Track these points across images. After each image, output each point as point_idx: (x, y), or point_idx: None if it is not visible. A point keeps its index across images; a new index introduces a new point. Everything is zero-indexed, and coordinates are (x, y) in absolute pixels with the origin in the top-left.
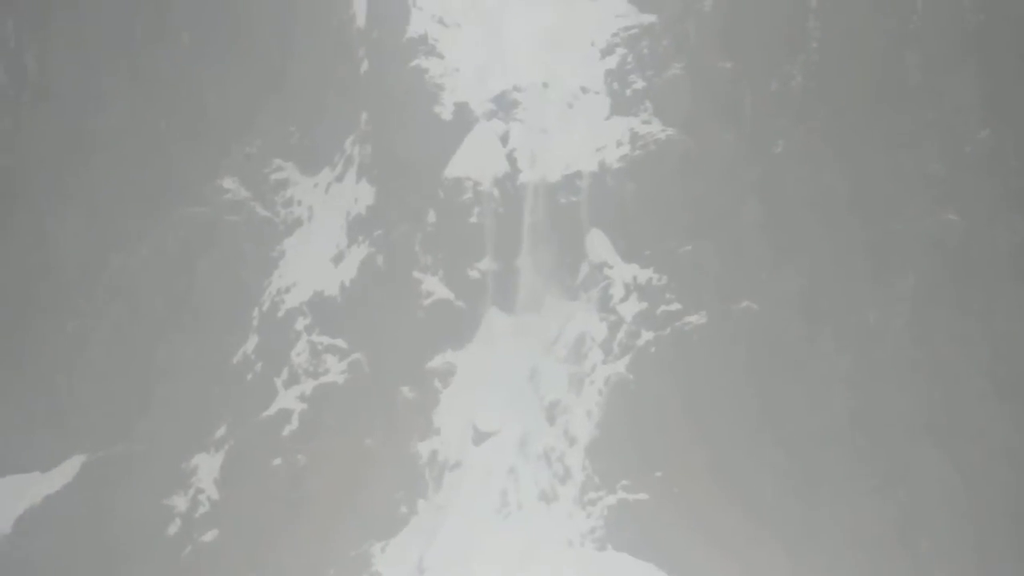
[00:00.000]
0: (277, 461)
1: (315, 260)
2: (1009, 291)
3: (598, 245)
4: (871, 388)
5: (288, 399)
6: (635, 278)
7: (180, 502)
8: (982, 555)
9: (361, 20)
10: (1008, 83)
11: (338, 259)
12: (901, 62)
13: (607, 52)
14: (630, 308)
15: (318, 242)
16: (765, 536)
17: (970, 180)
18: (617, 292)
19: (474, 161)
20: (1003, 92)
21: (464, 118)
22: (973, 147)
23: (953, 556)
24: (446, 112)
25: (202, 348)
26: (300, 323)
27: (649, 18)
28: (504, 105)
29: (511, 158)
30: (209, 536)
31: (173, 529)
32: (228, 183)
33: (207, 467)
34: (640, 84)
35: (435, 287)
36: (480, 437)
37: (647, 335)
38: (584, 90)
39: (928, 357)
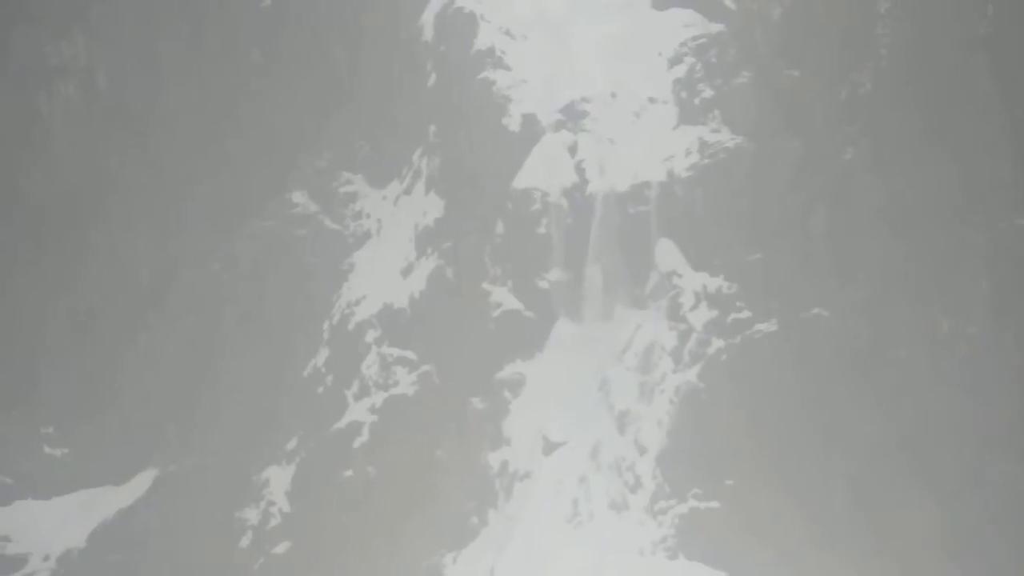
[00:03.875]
0: (348, 473)
1: (384, 273)
2: None
3: (667, 254)
4: (943, 396)
5: (359, 411)
6: (705, 286)
7: (252, 515)
8: None
9: (429, 34)
10: None
11: (407, 271)
12: (971, 67)
13: (675, 61)
14: (700, 316)
15: (387, 255)
16: (835, 545)
17: None
18: (687, 301)
19: (542, 172)
20: None
21: (532, 129)
22: None
23: None
24: (514, 124)
25: (273, 361)
26: (370, 335)
27: (717, 27)
28: (572, 116)
29: (579, 168)
30: (281, 548)
31: (245, 542)
32: (297, 197)
33: (278, 480)
34: (708, 93)
35: (504, 298)
36: (550, 447)
37: (717, 343)
38: (652, 100)
39: (1001, 364)
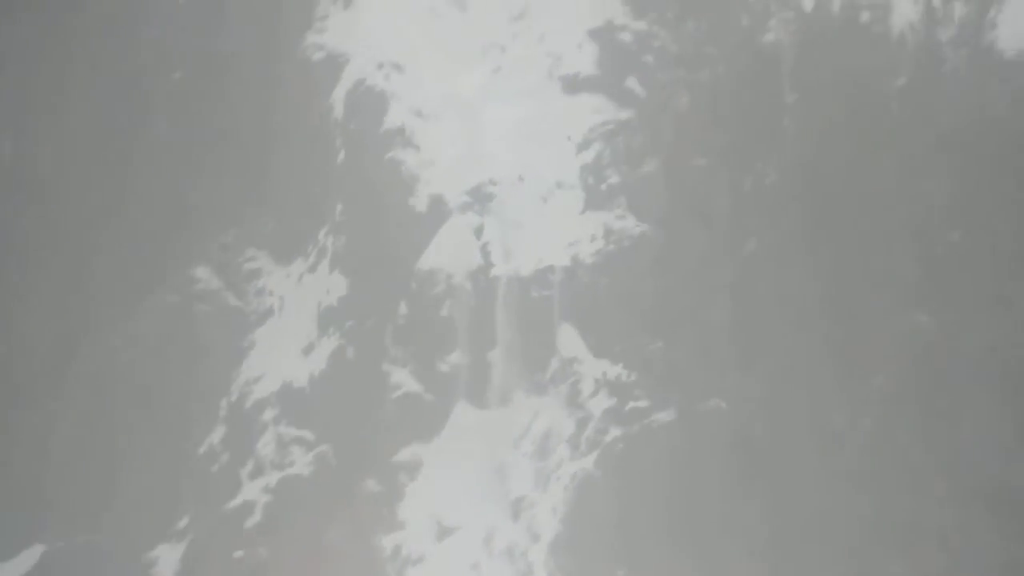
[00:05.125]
0: (239, 554)
1: (285, 351)
2: (977, 394)
3: (569, 340)
4: (837, 489)
5: (253, 491)
6: (604, 374)
7: None
8: None
9: (339, 111)
10: (980, 186)
11: (308, 350)
12: (875, 163)
13: (583, 147)
14: (599, 404)
15: (288, 333)
16: None
17: (942, 282)
18: (586, 387)
19: (447, 254)
20: (975, 195)
21: (439, 210)
22: (945, 249)
23: None
24: (421, 204)
25: (169, 438)
26: (268, 414)
27: (626, 114)
28: (479, 198)
29: (485, 251)
30: None
31: None
32: (201, 272)
33: (168, 558)
34: (615, 179)
35: (404, 380)
36: (444, 532)
37: (615, 431)
38: (559, 184)
39: (895, 460)
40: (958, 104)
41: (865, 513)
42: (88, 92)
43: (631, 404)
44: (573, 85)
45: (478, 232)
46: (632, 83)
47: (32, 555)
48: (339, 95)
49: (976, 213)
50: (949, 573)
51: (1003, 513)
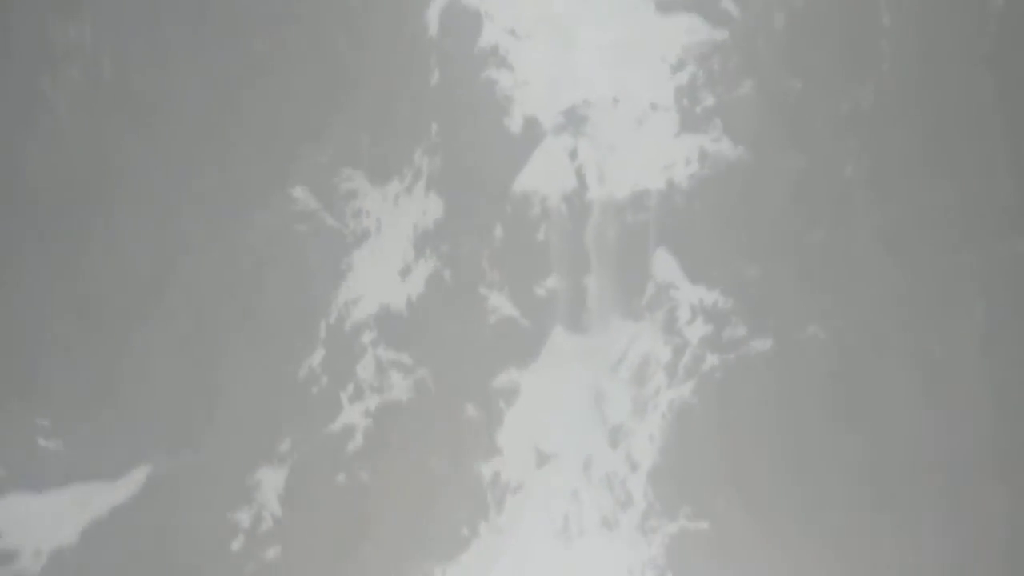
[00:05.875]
0: (341, 478)
1: (383, 273)
2: None
3: (664, 265)
4: (938, 420)
5: (353, 414)
6: (701, 300)
7: (244, 517)
8: None
9: (433, 30)
10: None
11: (405, 272)
12: (974, 86)
13: (677, 68)
14: (695, 331)
15: (386, 255)
16: (831, 567)
17: None
18: (683, 314)
19: (542, 176)
20: None
21: (533, 132)
22: None
23: None
24: (515, 125)
25: (269, 360)
26: (366, 337)
27: (720, 34)
28: (573, 120)
29: (579, 174)
30: (272, 553)
31: (236, 545)
32: (298, 192)
33: (270, 482)
34: (710, 101)
35: (501, 304)
36: (543, 459)
37: (712, 359)
38: (654, 106)
39: (996, 388)
40: None
41: (969, 443)
42: (183, 11)
43: (728, 331)
44: (667, 5)
45: (572, 154)
46: (727, 4)
47: (139, 476)
48: (433, 14)
49: None
50: None
51: None
